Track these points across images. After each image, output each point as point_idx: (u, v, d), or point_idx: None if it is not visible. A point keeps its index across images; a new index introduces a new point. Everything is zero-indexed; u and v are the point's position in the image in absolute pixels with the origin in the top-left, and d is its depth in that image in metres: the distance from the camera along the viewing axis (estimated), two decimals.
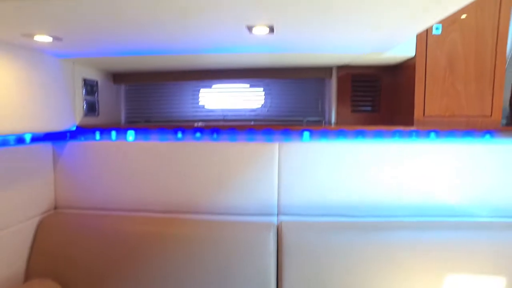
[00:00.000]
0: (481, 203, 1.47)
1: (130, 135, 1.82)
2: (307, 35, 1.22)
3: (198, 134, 1.76)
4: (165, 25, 1.09)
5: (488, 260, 1.30)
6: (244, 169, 1.52)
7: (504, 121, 1.56)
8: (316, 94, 2.01)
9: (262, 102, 2.04)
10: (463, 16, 1.51)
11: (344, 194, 1.50)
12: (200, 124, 1.88)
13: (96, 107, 1.92)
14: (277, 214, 1.53)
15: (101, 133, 1.85)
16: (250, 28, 1.10)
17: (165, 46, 1.41)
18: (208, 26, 1.10)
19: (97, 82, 1.91)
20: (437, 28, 1.53)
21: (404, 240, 1.34)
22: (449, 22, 1.53)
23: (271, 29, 1.11)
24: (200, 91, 2.09)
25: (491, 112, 1.54)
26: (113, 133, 1.83)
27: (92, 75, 1.88)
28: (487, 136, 1.51)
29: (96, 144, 1.64)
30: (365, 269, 1.31)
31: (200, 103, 2.10)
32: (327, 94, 1.98)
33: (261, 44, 1.36)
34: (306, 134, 1.62)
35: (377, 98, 1.89)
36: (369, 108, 1.90)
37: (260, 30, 1.12)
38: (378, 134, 1.55)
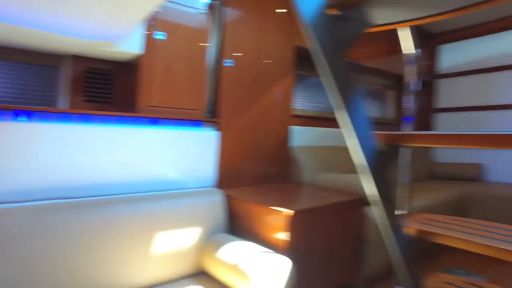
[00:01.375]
0: (189, 176, 1.81)
1: None
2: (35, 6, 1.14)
3: None
4: None
5: (191, 219, 1.61)
6: None
7: (207, 115, 2.04)
8: (47, 83, 1.87)
9: None
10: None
11: (68, 175, 1.45)
12: None
13: None
14: None
15: None
16: None
17: None
18: None
19: None
20: (162, 35, 1.84)
21: (124, 213, 1.44)
22: (172, 33, 1.88)
23: None
24: None
25: (198, 106, 1.99)
26: None
27: None
28: (195, 125, 1.93)
29: None
30: (87, 244, 1.32)
31: None
32: (59, 83, 1.89)
33: None
34: (22, 115, 1.47)
35: (110, 90, 2.00)
36: (102, 100, 1.97)
37: None
38: (105, 120, 1.64)
